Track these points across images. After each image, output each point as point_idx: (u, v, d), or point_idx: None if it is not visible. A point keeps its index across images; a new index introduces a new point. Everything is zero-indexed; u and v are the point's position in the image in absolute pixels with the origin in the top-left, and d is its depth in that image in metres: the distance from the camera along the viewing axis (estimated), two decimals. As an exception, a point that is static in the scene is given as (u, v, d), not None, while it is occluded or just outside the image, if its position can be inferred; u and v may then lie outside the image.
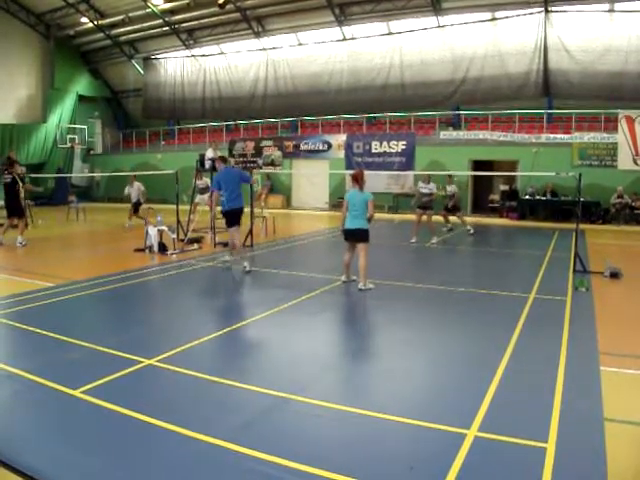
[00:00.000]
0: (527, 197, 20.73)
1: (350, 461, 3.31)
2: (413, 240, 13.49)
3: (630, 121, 19.71)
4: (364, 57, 25.68)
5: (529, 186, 20.84)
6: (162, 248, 11.70)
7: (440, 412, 4.00)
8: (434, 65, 23.98)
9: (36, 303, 7.19)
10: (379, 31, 25.39)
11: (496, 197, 22.81)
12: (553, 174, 12.22)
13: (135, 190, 17.05)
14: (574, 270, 9.48)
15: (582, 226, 12.45)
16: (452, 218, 15.65)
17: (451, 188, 15.04)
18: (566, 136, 20.96)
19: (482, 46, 22.88)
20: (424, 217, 13.71)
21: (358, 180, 8.22)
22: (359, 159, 24.52)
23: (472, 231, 15.26)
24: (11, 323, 6.19)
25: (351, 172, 8.78)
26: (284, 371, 4.93)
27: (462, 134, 23.11)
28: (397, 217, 20.90)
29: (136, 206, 17.06)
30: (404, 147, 23.71)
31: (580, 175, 9.99)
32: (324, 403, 4.11)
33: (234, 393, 4.34)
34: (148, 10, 26.93)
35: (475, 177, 22.68)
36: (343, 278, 8.58)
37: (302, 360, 5.23)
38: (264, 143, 27.30)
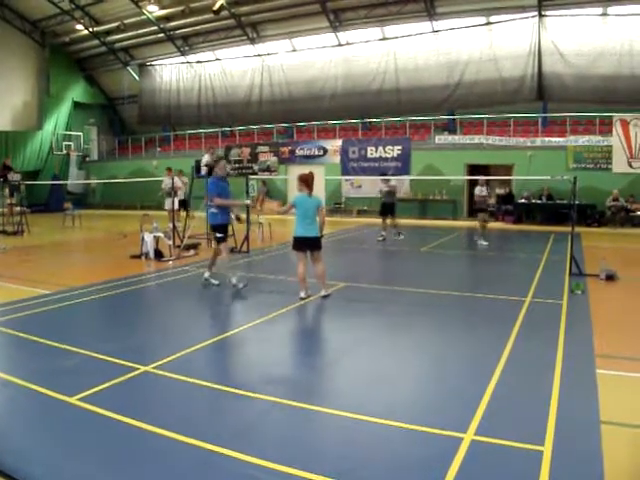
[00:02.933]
0: (523, 201, 20.79)
1: (346, 466, 3.30)
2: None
3: (625, 124, 19.81)
4: (359, 62, 25.74)
5: (525, 190, 20.89)
6: (158, 255, 11.68)
7: (436, 416, 3.99)
8: (429, 70, 24.06)
9: (33, 310, 7.16)
10: (374, 36, 25.47)
11: (492, 201, 22.83)
12: (548, 178, 12.23)
13: (177, 182, 15.02)
14: (570, 273, 9.51)
15: (578, 229, 12.49)
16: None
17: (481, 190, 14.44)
18: (561, 139, 21.02)
19: (477, 50, 22.98)
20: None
21: (308, 184, 7.72)
22: (355, 164, 24.54)
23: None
24: (8, 330, 6.16)
25: (300, 174, 7.93)
26: (280, 377, 4.91)
27: (457, 138, 23.15)
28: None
29: (184, 203, 15.43)
30: (399, 152, 23.74)
31: (575, 178, 10.02)
32: (320, 408, 4.10)
33: (230, 399, 4.33)
34: (143, 17, 27.00)
35: (471, 181, 22.70)
36: (302, 294, 7.78)
37: (297, 365, 5.22)
38: (260, 149, 27.29)
